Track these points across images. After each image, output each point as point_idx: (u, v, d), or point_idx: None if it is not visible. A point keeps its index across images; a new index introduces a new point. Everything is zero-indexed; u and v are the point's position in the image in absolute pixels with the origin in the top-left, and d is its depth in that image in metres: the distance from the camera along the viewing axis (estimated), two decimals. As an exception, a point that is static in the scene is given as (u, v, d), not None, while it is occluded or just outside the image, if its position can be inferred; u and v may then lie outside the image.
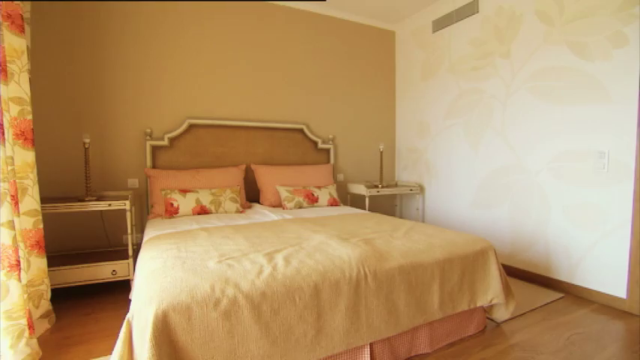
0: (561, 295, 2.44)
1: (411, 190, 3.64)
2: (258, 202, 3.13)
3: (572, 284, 2.46)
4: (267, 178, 3.09)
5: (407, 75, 3.97)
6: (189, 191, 2.63)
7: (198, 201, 2.60)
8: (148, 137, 2.83)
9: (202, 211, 2.60)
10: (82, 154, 2.56)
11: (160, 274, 1.29)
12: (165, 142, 2.88)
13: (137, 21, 2.80)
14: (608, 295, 2.28)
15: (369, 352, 1.50)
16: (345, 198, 3.71)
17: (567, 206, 2.49)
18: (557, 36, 2.52)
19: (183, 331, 1.11)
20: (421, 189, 3.75)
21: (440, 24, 3.48)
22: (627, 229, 2.19)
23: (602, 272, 2.32)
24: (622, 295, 2.22)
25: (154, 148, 2.86)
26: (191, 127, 2.98)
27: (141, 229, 2.81)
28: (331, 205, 3.05)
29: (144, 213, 2.88)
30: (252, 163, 3.19)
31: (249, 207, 2.95)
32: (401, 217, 4.05)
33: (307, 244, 1.68)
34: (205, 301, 1.16)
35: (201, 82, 3.05)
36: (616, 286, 2.25)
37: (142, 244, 1.89)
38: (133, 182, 2.84)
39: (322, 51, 3.61)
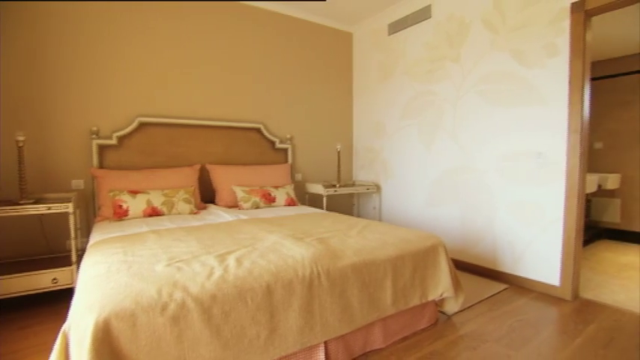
0: (506, 286, 2.60)
1: (367, 189, 3.72)
2: (214, 203, 3.06)
3: (516, 275, 2.63)
4: (223, 178, 3.03)
5: (364, 76, 4.05)
6: (139, 192, 2.52)
7: (149, 202, 2.49)
8: (94, 136, 2.66)
9: (154, 212, 2.49)
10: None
11: (103, 280, 1.23)
12: (114, 141, 2.74)
13: (80, 20, 2.63)
14: (545, 283, 2.47)
15: (324, 351, 1.51)
16: (304, 198, 3.72)
17: (511, 203, 2.66)
18: (500, 43, 2.69)
19: (127, 340, 1.06)
20: (378, 188, 3.84)
21: (395, 27, 3.58)
22: (560, 223, 2.38)
23: (540, 263, 2.50)
24: (556, 283, 2.41)
25: (102, 148, 2.70)
26: (142, 125, 2.85)
27: (87, 234, 2.65)
28: (289, 205, 3.05)
29: (90, 216, 2.72)
30: (208, 163, 3.11)
31: (204, 208, 2.87)
32: (359, 215, 4.12)
33: (261, 244, 1.67)
34: (151, 307, 1.11)
35: (154, 81, 2.93)
36: (551, 276, 2.44)
37: (87, 249, 1.78)
38: (78, 183, 2.66)
39: (280, 51, 3.59)
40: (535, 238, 2.52)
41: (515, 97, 2.60)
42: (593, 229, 4.18)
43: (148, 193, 2.53)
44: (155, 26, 2.93)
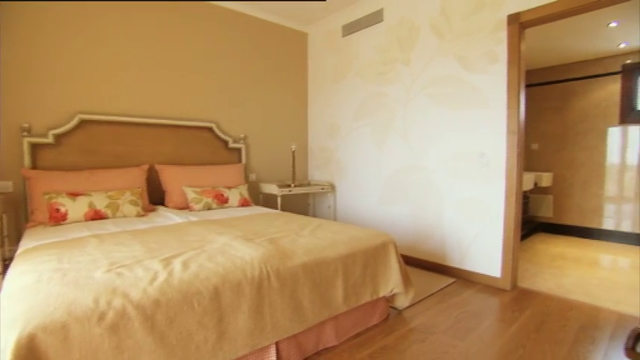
0: (453, 279, 2.74)
1: (322, 188, 3.75)
2: (164, 205, 2.93)
3: (462, 269, 2.78)
4: (173, 178, 2.91)
5: (319, 77, 4.07)
6: (80, 194, 2.35)
7: (91, 205, 2.33)
8: (25, 133, 2.44)
9: (97, 216, 2.34)
10: None
11: (31, 291, 1.13)
12: (50, 140, 2.53)
13: (19, 12, 2.41)
14: (488, 276, 2.63)
15: (275, 351, 1.50)
16: (258, 198, 3.67)
17: (458, 201, 2.80)
18: (447, 49, 2.82)
19: (57, 354, 0.98)
20: (332, 187, 3.89)
21: (349, 29, 3.64)
22: (501, 219, 2.55)
23: (483, 257, 2.66)
24: (497, 275, 2.58)
25: (35, 146, 2.49)
26: (84, 123, 2.65)
27: (17, 241, 2.43)
28: (242, 206, 2.99)
29: (21, 221, 2.49)
30: (157, 163, 2.97)
31: (153, 210, 2.74)
32: (314, 215, 4.15)
33: (210, 246, 1.62)
34: (87, 316, 1.04)
35: (99, 77, 2.73)
36: (493, 268, 2.60)
37: (15, 258, 1.63)
38: (6, 185, 2.43)
39: (234, 49, 3.51)
40: (479, 234, 2.68)
41: (461, 100, 2.75)
42: (531, 223, 4.52)
43: (91, 195, 2.37)
44: (100, 21, 2.75)
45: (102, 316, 1.06)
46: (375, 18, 3.37)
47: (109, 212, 2.39)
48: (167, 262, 1.41)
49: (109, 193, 2.46)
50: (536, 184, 4.21)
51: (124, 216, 2.45)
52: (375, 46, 3.42)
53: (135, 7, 2.90)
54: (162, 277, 1.26)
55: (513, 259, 2.52)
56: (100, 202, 2.38)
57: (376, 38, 3.40)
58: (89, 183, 2.49)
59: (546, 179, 4.38)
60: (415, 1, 3.03)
